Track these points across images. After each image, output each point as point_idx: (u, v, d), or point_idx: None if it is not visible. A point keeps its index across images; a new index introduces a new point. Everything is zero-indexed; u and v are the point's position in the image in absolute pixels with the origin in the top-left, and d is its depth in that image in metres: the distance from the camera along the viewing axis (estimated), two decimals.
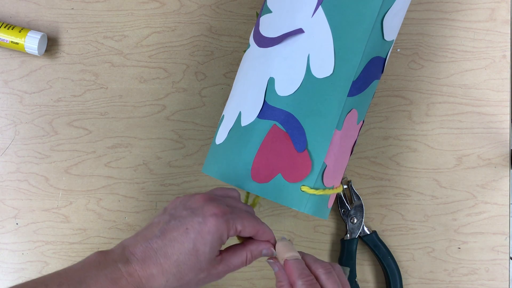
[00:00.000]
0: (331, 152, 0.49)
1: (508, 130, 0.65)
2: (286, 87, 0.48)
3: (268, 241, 0.49)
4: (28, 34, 0.62)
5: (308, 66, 0.48)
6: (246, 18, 0.65)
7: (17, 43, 0.62)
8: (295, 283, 0.45)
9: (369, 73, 0.49)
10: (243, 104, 0.51)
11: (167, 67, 0.65)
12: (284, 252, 0.47)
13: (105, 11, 0.65)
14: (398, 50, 0.65)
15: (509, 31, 0.65)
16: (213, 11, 0.65)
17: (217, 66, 0.65)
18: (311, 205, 0.49)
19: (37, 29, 0.65)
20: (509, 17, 0.65)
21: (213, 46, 0.65)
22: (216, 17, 0.65)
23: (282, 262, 0.47)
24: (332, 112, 0.48)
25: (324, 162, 0.49)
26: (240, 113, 0.50)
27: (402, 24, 0.64)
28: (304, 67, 0.48)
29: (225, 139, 0.51)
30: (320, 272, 0.46)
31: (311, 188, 0.49)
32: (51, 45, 0.65)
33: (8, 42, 0.62)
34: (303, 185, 0.49)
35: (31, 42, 0.62)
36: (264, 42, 0.51)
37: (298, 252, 0.47)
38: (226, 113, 0.53)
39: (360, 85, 0.49)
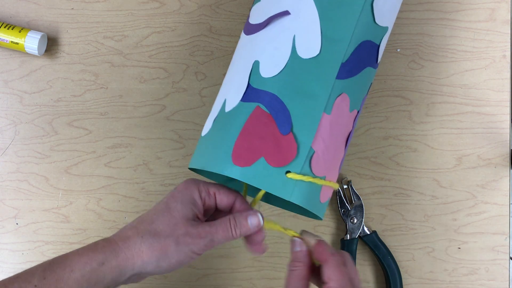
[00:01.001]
0: (320, 138, 0.46)
1: (508, 130, 0.65)
2: (270, 69, 0.47)
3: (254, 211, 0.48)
4: (28, 34, 0.62)
5: (294, 47, 0.46)
6: (246, 18, 0.65)
7: (17, 43, 0.62)
8: (329, 258, 0.45)
9: (360, 57, 0.48)
10: (228, 91, 0.49)
11: (167, 67, 0.65)
12: (312, 237, 0.48)
13: (105, 11, 0.65)
14: (398, 50, 0.65)
15: (509, 31, 0.65)
16: (213, 11, 0.65)
17: (217, 66, 0.65)
18: (298, 194, 0.45)
19: (37, 29, 0.65)
20: (509, 17, 0.65)
21: (213, 46, 0.65)
22: (216, 17, 0.65)
23: (312, 244, 0.47)
24: (319, 94, 0.46)
25: (311, 147, 0.46)
26: (225, 101, 0.49)
27: (402, 24, 0.65)
28: (289, 48, 0.46)
29: (210, 129, 0.50)
30: (347, 258, 0.47)
31: (297, 174, 0.45)
32: (51, 45, 0.65)
33: (8, 42, 0.62)
34: (288, 170, 0.45)
35: (31, 42, 0.62)
36: (251, 29, 0.50)
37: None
38: (213, 106, 0.52)
39: (350, 68, 0.47)
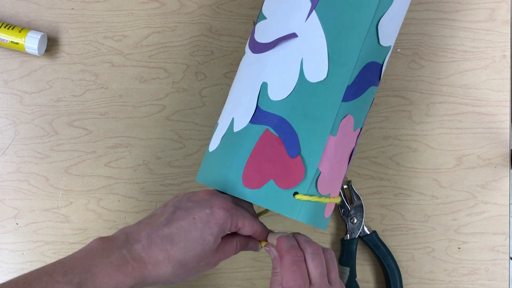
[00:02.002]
0: (326, 159, 0.48)
1: (508, 130, 0.65)
2: (279, 92, 0.47)
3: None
4: (28, 34, 0.62)
5: (302, 70, 0.47)
6: (246, 18, 0.65)
7: (17, 43, 0.62)
8: (283, 257, 0.46)
9: (364, 79, 0.49)
10: (236, 110, 0.50)
11: (167, 67, 0.65)
12: (274, 237, 0.49)
13: (105, 11, 0.65)
14: (398, 50, 0.65)
15: (509, 31, 0.65)
16: (213, 11, 0.65)
17: (217, 66, 0.65)
18: (304, 213, 0.47)
19: (37, 29, 0.65)
20: (509, 17, 0.65)
21: (213, 46, 0.65)
22: (216, 17, 0.65)
23: (272, 240, 0.49)
24: (326, 117, 0.47)
25: (318, 169, 0.47)
26: (233, 119, 0.50)
27: (402, 24, 0.64)
28: (297, 71, 0.47)
29: (218, 146, 0.50)
30: (307, 252, 0.47)
31: (305, 195, 0.47)
32: (51, 45, 0.65)
33: (8, 42, 0.62)
34: (296, 191, 0.47)
35: (31, 42, 0.62)
36: (258, 47, 0.50)
37: (294, 233, 0.49)
38: (220, 121, 0.53)
39: (355, 90, 0.48)
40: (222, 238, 0.49)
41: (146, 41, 0.65)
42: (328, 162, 0.48)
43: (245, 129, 0.48)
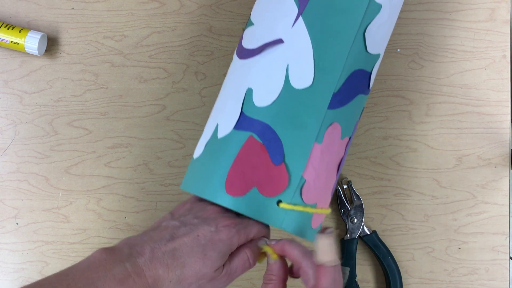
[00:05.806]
0: (311, 167, 0.47)
1: (508, 130, 0.65)
2: (263, 98, 0.47)
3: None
4: (28, 34, 0.62)
5: (287, 76, 0.46)
6: (246, 18, 0.65)
7: (17, 43, 0.62)
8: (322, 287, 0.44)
9: (351, 86, 0.48)
10: (221, 116, 0.49)
11: (167, 67, 0.65)
12: (325, 253, 0.44)
13: (105, 11, 0.65)
14: (398, 50, 0.65)
15: (509, 31, 0.65)
16: (213, 11, 0.65)
17: (217, 66, 0.65)
18: (289, 222, 0.46)
19: (37, 29, 0.65)
20: (509, 17, 0.65)
21: (213, 46, 0.65)
22: (216, 17, 0.65)
23: (317, 260, 0.45)
24: (311, 124, 0.46)
25: (302, 177, 0.46)
26: (217, 125, 0.49)
27: (402, 24, 0.65)
28: (282, 77, 0.46)
29: (202, 152, 0.50)
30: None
31: (288, 204, 0.46)
32: (51, 45, 0.65)
33: (8, 42, 0.62)
34: (280, 200, 0.46)
35: (31, 42, 0.62)
36: (244, 53, 0.50)
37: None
38: (205, 128, 0.52)
39: (341, 98, 0.47)
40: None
41: (146, 41, 0.65)
42: (313, 170, 0.47)
43: (229, 135, 0.47)
